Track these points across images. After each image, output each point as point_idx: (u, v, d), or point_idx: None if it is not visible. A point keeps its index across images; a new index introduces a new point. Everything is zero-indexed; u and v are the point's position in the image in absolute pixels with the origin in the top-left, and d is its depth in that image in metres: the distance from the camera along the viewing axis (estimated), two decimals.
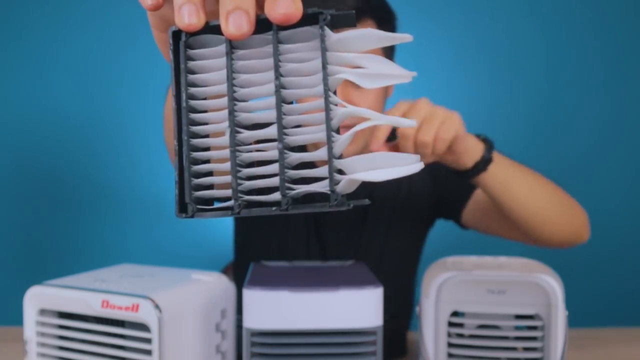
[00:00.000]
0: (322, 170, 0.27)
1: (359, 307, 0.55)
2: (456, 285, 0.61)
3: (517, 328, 0.63)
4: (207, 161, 0.29)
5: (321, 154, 0.27)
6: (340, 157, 0.27)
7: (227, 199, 0.28)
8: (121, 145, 1.82)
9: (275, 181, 0.27)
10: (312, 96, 0.28)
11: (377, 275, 0.63)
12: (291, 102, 0.28)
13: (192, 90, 0.29)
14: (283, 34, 0.28)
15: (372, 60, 0.27)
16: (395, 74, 0.27)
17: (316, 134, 0.27)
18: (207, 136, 0.30)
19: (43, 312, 0.61)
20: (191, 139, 0.28)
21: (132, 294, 0.56)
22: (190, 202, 0.28)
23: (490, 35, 1.81)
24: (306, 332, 0.55)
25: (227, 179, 0.28)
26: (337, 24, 0.28)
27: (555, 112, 1.82)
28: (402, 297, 1.01)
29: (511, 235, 0.88)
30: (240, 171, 0.28)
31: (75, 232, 1.83)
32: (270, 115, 0.28)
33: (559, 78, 1.81)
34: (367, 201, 0.27)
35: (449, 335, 0.62)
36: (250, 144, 0.29)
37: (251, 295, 0.55)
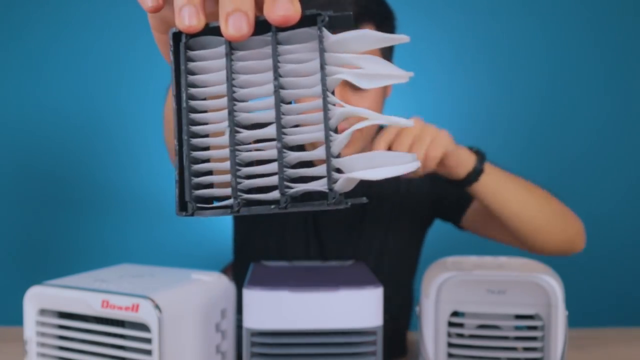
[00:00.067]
0: (321, 169, 0.27)
1: (359, 307, 0.55)
2: (456, 285, 0.61)
3: (517, 328, 0.63)
4: (207, 160, 0.30)
5: (319, 152, 0.27)
6: (339, 156, 0.28)
7: (227, 197, 0.28)
8: (121, 145, 1.82)
9: (274, 180, 0.27)
10: (311, 96, 0.28)
11: (377, 275, 0.63)
12: (290, 102, 0.29)
13: (192, 90, 0.29)
14: (282, 35, 0.28)
15: (369, 60, 0.28)
16: (393, 74, 0.27)
17: (315, 133, 0.28)
18: (207, 136, 0.30)
19: (43, 312, 0.61)
20: (191, 139, 0.29)
21: (132, 294, 0.56)
22: (191, 200, 0.28)
23: (490, 35, 1.81)
24: (306, 332, 0.55)
25: (227, 178, 0.28)
26: (335, 26, 0.28)
27: (554, 112, 1.82)
28: (402, 297, 1.01)
29: (508, 241, 0.89)
30: (239, 170, 0.28)
31: (76, 232, 1.83)
32: (269, 115, 0.28)
33: (558, 78, 1.81)
34: (364, 199, 0.27)
35: (449, 335, 0.62)
36: (250, 143, 0.29)
37: (251, 295, 0.55)
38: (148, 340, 0.56)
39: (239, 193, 0.28)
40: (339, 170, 0.27)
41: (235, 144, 0.28)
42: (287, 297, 0.54)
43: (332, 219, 0.96)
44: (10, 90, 1.80)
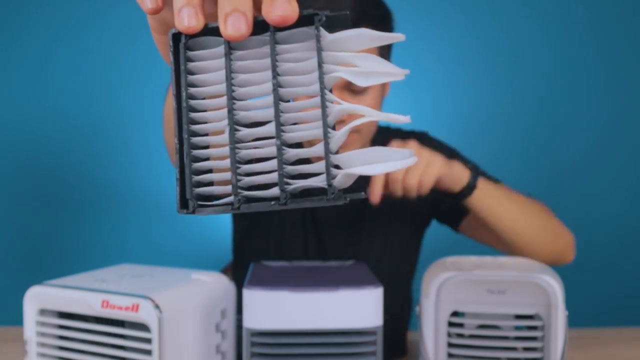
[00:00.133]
0: (319, 166, 0.28)
1: (359, 307, 0.55)
2: (456, 285, 0.61)
3: (517, 328, 0.63)
4: (207, 159, 0.30)
5: (318, 149, 0.28)
6: (337, 153, 0.28)
7: (227, 196, 0.29)
8: (121, 145, 1.82)
9: (273, 177, 0.28)
10: (309, 94, 0.29)
11: (376, 275, 0.63)
12: (288, 101, 0.29)
13: (192, 90, 0.30)
14: (280, 34, 0.29)
15: (366, 59, 0.28)
16: (389, 71, 0.28)
17: (313, 130, 0.28)
18: (206, 135, 0.30)
19: (43, 312, 0.61)
20: (191, 137, 0.29)
21: (132, 294, 0.56)
22: (191, 198, 0.28)
23: (490, 35, 1.81)
24: (306, 332, 0.55)
25: (227, 176, 0.28)
26: (332, 25, 0.29)
27: (554, 112, 1.82)
28: (402, 297, 1.01)
29: (501, 248, 0.90)
30: (239, 168, 0.28)
31: (76, 232, 1.83)
32: (268, 113, 0.28)
33: (558, 78, 1.81)
34: (363, 194, 0.28)
35: (449, 335, 0.62)
36: (249, 142, 0.29)
37: (251, 295, 0.55)
38: (148, 340, 0.56)
39: (239, 190, 0.28)
40: (337, 167, 0.28)
41: (235, 142, 0.28)
42: (287, 297, 0.54)
43: (332, 218, 0.97)
44: (10, 90, 1.80)
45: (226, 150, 0.28)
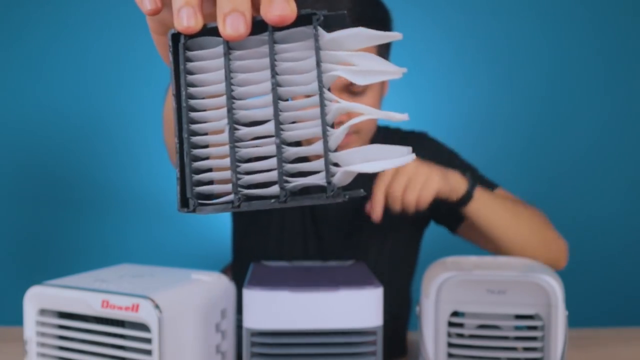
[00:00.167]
0: (318, 164, 0.28)
1: (359, 307, 0.55)
2: (456, 285, 0.61)
3: (517, 328, 0.62)
4: (207, 158, 0.30)
5: (317, 147, 0.28)
6: (336, 151, 0.28)
7: (227, 194, 0.29)
8: (121, 145, 1.82)
9: (273, 175, 0.28)
10: (308, 93, 0.29)
11: (376, 275, 0.63)
12: (287, 100, 0.29)
13: (192, 90, 0.30)
14: (278, 34, 0.29)
15: (363, 57, 0.28)
16: (387, 70, 0.28)
17: (312, 128, 0.28)
18: (206, 134, 0.30)
19: (43, 312, 0.61)
20: (191, 137, 0.29)
21: (132, 294, 0.56)
22: (192, 197, 0.29)
23: (490, 35, 1.81)
24: (306, 332, 0.55)
25: (227, 174, 0.28)
26: (330, 25, 0.29)
27: (554, 112, 1.82)
28: (401, 297, 1.01)
29: (495, 252, 0.91)
30: (239, 166, 0.28)
31: (76, 232, 1.83)
32: (267, 112, 0.29)
33: (558, 78, 1.81)
34: (362, 192, 0.28)
35: (449, 335, 0.62)
36: (249, 140, 0.30)
37: (251, 295, 0.55)
38: (148, 340, 0.56)
39: (239, 189, 0.28)
40: (336, 165, 0.28)
41: (234, 141, 0.28)
42: (287, 297, 0.54)
43: (332, 218, 0.97)
44: (10, 90, 1.80)
45: (226, 149, 0.29)
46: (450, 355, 0.63)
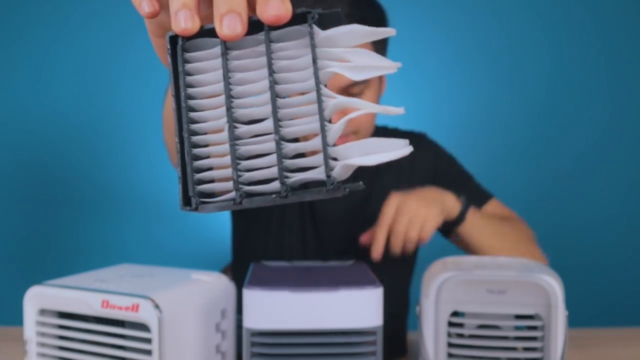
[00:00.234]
0: (318, 158, 0.28)
1: (359, 307, 0.55)
2: (456, 285, 0.61)
3: (517, 328, 0.62)
4: (208, 157, 0.31)
5: (316, 143, 0.28)
6: (334, 146, 0.29)
7: (228, 192, 0.29)
8: (121, 145, 1.82)
9: (273, 172, 0.28)
10: (305, 90, 0.29)
11: (376, 275, 0.63)
12: (285, 97, 0.30)
13: (191, 90, 0.30)
14: (274, 33, 0.29)
15: (358, 53, 0.29)
16: (382, 65, 0.28)
17: (310, 124, 0.29)
18: (206, 133, 0.31)
19: (43, 312, 0.61)
20: (191, 136, 0.30)
21: (132, 294, 0.56)
22: (194, 195, 0.29)
23: (490, 35, 1.81)
24: (306, 332, 0.55)
25: (227, 172, 0.29)
26: (325, 23, 0.29)
27: (554, 112, 1.82)
28: (401, 297, 1.01)
29: None
30: (239, 164, 0.29)
31: (75, 232, 1.83)
32: (266, 109, 0.29)
33: (558, 78, 1.81)
34: (361, 184, 0.28)
35: (449, 335, 0.62)
36: (248, 138, 0.30)
37: (251, 295, 0.55)
38: (148, 340, 0.56)
39: (240, 185, 0.28)
40: (335, 160, 0.28)
41: (234, 139, 0.29)
42: (287, 297, 0.54)
43: (332, 218, 0.97)
44: (10, 91, 1.80)
45: (226, 147, 0.29)
46: (450, 355, 0.63)
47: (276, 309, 0.54)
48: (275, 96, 0.29)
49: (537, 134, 1.82)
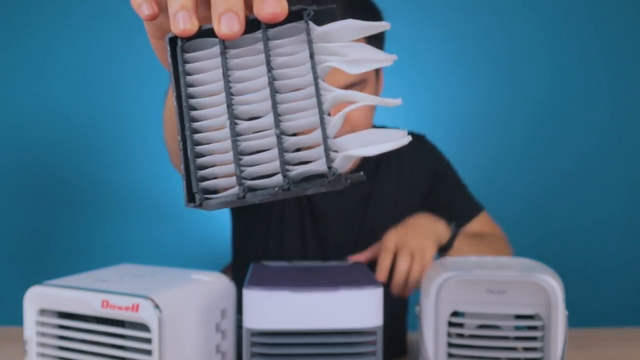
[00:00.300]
0: (318, 151, 0.28)
1: (359, 307, 0.55)
2: (456, 285, 0.61)
3: (517, 328, 0.62)
4: (210, 154, 0.31)
5: (316, 136, 0.29)
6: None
7: (231, 188, 0.29)
8: (121, 145, 1.82)
9: (275, 166, 0.29)
10: (303, 85, 0.30)
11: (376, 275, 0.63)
12: (284, 93, 0.30)
13: (191, 90, 0.31)
14: (271, 31, 0.30)
15: (355, 48, 0.29)
16: (378, 58, 0.29)
17: (310, 118, 0.29)
18: (208, 131, 0.31)
19: (43, 312, 0.61)
20: (193, 135, 0.30)
21: (132, 294, 0.56)
22: (198, 191, 0.29)
23: (490, 35, 1.81)
24: (306, 332, 0.55)
25: (230, 169, 0.29)
26: (321, 19, 0.30)
27: (554, 112, 1.82)
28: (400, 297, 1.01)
29: None
30: (241, 159, 0.29)
31: (75, 232, 1.83)
32: (266, 105, 0.29)
33: (559, 78, 1.81)
34: (362, 175, 0.28)
35: (449, 335, 0.62)
36: (250, 134, 0.30)
37: (251, 295, 0.55)
38: (148, 340, 0.56)
39: (243, 180, 0.29)
40: (335, 152, 0.29)
41: (235, 135, 0.29)
42: (287, 297, 0.54)
43: (332, 218, 0.97)
44: (10, 91, 1.80)
45: (228, 143, 0.29)
46: (450, 355, 0.63)
47: (276, 309, 0.54)
48: (274, 92, 0.29)
49: (537, 134, 1.82)
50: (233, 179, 0.29)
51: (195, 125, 0.30)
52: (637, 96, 1.81)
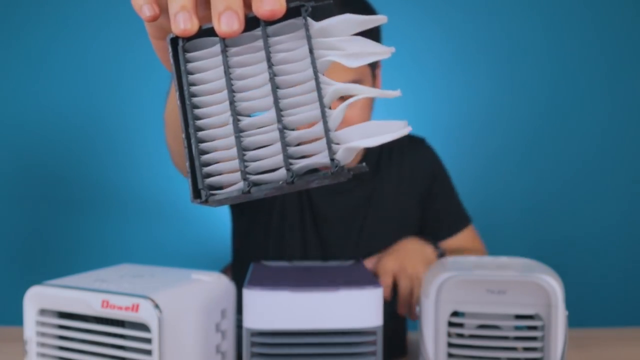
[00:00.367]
0: (321, 143, 0.29)
1: (359, 307, 0.55)
2: (456, 285, 0.61)
3: (517, 328, 0.62)
4: (214, 151, 0.31)
5: (317, 129, 0.29)
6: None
7: (236, 183, 0.30)
8: (121, 145, 1.82)
9: (278, 161, 0.29)
10: (304, 80, 0.30)
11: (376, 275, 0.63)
12: (285, 88, 0.31)
13: (194, 88, 0.31)
14: (271, 28, 0.30)
15: (353, 41, 0.30)
16: (376, 51, 0.29)
17: (311, 112, 0.29)
18: (211, 128, 0.32)
19: (43, 312, 0.61)
20: (197, 132, 0.31)
21: (132, 294, 0.56)
22: (203, 188, 0.30)
23: (490, 35, 1.81)
24: (306, 332, 0.55)
25: (234, 164, 0.30)
26: (318, 15, 0.30)
27: (555, 112, 1.82)
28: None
29: None
30: (245, 154, 0.29)
31: (76, 232, 1.83)
32: (267, 101, 0.30)
33: (559, 78, 1.81)
34: (364, 166, 0.29)
35: (449, 335, 0.62)
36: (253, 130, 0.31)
37: (251, 295, 0.55)
38: (148, 340, 0.56)
39: (247, 176, 0.29)
40: (337, 145, 0.29)
41: (239, 131, 0.30)
42: (287, 297, 0.54)
43: (332, 218, 0.97)
44: (10, 90, 1.80)
45: (231, 140, 0.30)
46: (450, 355, 0.63)
47: (276, 309, 0.54)
48: (275, 87, 0.30)
49: (537, 134, 1.82)
50: (238, 175, 0.29)
51: (199, 123, 0.31)
52: (637, 96, 1.81)
